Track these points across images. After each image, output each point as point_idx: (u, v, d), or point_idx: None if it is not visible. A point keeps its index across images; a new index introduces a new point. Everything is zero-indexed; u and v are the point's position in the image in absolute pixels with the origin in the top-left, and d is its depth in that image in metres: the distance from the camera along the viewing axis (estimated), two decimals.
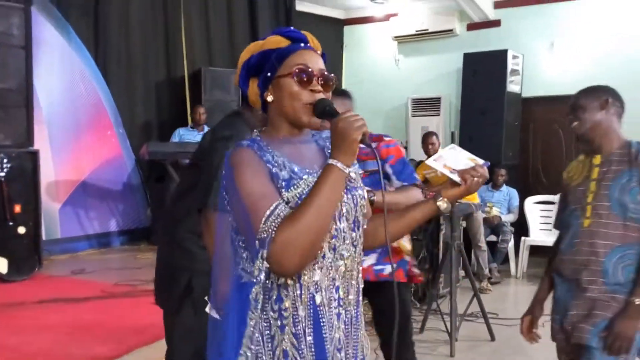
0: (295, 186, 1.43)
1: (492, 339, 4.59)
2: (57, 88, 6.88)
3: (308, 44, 1.57)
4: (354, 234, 1.51)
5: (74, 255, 6.70)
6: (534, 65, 8.24)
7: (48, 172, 6.58)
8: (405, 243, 2.81)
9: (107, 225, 7.32)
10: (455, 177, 1.62)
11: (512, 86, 8.00)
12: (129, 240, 7.50)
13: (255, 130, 1.56)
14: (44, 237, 6.17)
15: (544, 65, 8.21)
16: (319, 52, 1.58)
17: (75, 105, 7.07)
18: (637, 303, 2.09)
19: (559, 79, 8.08)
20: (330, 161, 1.39)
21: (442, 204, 1.59)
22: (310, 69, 1.49)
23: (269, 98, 1.51)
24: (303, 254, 1.35)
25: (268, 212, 1.35)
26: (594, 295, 2.18)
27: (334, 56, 9.77)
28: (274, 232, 1.34)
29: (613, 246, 2.16)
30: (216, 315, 2.27)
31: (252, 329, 1.43)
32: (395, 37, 9.22)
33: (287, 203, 1.41)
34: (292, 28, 1.60)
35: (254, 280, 1.42)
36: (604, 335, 2.13)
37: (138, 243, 7.45)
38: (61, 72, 6.93)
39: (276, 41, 1.54)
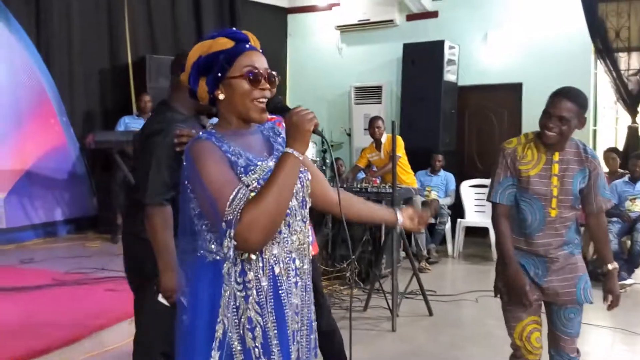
0: (252, 172, 1.63)
1: (431, 314, 4.93)
2: None
3: (251, 44, 1.72)
4: (302, 212, 1.73)
5: (20, 244, 6.66)
6: (469, 55, 8.62)
7: None
8: None
9: (52, 214, 7.28)
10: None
11: (449, 75, 8.36)
12: (76, 229, 7.48)
13: (209, 124, 1.74)
14: None
15: (479, 55, 8.60)
16: (260, 50, 1.74)
17: (18, 93, 6.97)
18: (611, 269, 2.73)
19: (492, 68, 8.50)
20: (287, 150, 1.59)
21: (399, 222, 2.00)
22: (258, 70, 1.66)
23: (221, 96, 1.68)
24: (266, 231, 1.55)
25: (232, 197, 1.53)
26: (563, 263, 2.67)
27: (278, 45, 9.90)
28: (239, 214, 1.51)
29: (570, 224, 2.67)
30: (166, 302, 2.46)
31: (227, 299, 1.62)
32: (338, 26, 9.44)
33: (247, 187, 1.59)
34: (235, 29, 1.74)
35: (221, 257, 1.61)
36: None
37: (85, 232, 7.45)
38: (2, 60, 6.80)
39: (223, 43, 1.68)
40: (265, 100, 1.68)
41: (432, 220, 7.29)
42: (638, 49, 7.59)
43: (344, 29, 9.43)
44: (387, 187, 5.83)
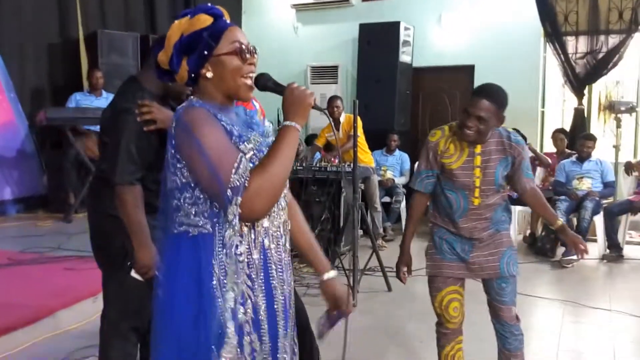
0: (247, 141, 1.61)
1: (389, 289, 5.06)
2: None
3: (226, 19, 1.69)
4: (284, 190, 1.74)
5: None
6: (424, 36, 8.74)
7: None
8: None
9: (1, 193, 7.01)
10: None
11: (404, 56, 8.46)
12: (26, 209, 7.24)
13: (192, 97, 1.67)
14: None
15: (433, 37, 8.74)
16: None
17: None
18: (560, 224, 2.86)
19: (446, 50, 8.65)
20: (288, 123, 1.61)
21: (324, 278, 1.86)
22: (245, 45, 1.65)
23: (208, 74, 1.63)
24: (271, 200, 1.57)
25: (237, 163, 1.51)
26: (488, 240, 2.80)
27: (232, 22, 9.76)
28: (246, 181, 1.50)
29: (496, 207, 2.79)
30: (140, 278, 2.46)
31: (233, 266, 1.58)
32: (294, 5, 9.40)
33: (244, 155, 1.56)
34: (210, 5, 1.70)
35: (208, 231, 1.56)
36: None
37: (35, 211, 7.24)
38: None
39: (203, 20, 1.64)
40: (252, 74, 1.68)
41: (388, 199, 7.43)
42: (585, 33, 7.87)
43: (300, 7, 9.40)
44: (346, 165, 5.90)
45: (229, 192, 1.50)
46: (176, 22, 1.66)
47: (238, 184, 1.50)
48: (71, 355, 3.44)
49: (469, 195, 2.72)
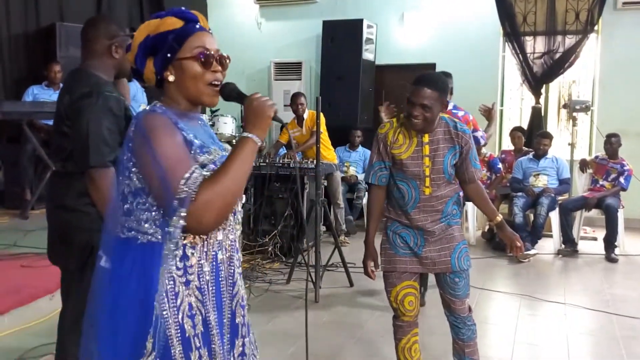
0: (208, 152, 1.59)
1: (351, 285, 5.11)
2: None
3: (200, 24, 1.67)
4: (240, 203, 1.72)
5: None
6: (387, 34, 8.81)
7: None
8: None
9: None
10: None
11: (367, 54, 8.52)
12: None
13: (156, 102, 1.66)
14: None
15: (395, 35, 8.82)
16: (210, 31, 1.70)
17: None
18: (499, 219, 2.92)
19: (408, 48, 8.75)
20: (247, 134, 1.58)
21: None
22: (210, 51, 1.61)
23: (170, 78, 1.62)
24: (220, 214, 1.52)
25: (187, 174, 1.47)
26: (440, 235, 2.85)
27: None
28: (194, 193, 1.47)
29: (447, 199, 2.84)
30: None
31: (183, 278, 1.56)
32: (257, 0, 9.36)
33: (202, 167, 1.54)
34: (184, 9, 1.67)
35: (157, 240, 1.53)
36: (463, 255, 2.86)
37: None
38: None
39: (171, 22, 1.62)
40: (218, 83, 1.65)
41: (351, 196, 7.48)
42: (543, 33, 8.06)
43: (263, 3, 9.37)
44: (309, 162, 5.93)
45: (175, 202, 1.48)
46: (145, 23, 1.66)
47: (185, 195, 1.47)
48: (28, 353, 3.39)
49: (420, 185, 2.78)
